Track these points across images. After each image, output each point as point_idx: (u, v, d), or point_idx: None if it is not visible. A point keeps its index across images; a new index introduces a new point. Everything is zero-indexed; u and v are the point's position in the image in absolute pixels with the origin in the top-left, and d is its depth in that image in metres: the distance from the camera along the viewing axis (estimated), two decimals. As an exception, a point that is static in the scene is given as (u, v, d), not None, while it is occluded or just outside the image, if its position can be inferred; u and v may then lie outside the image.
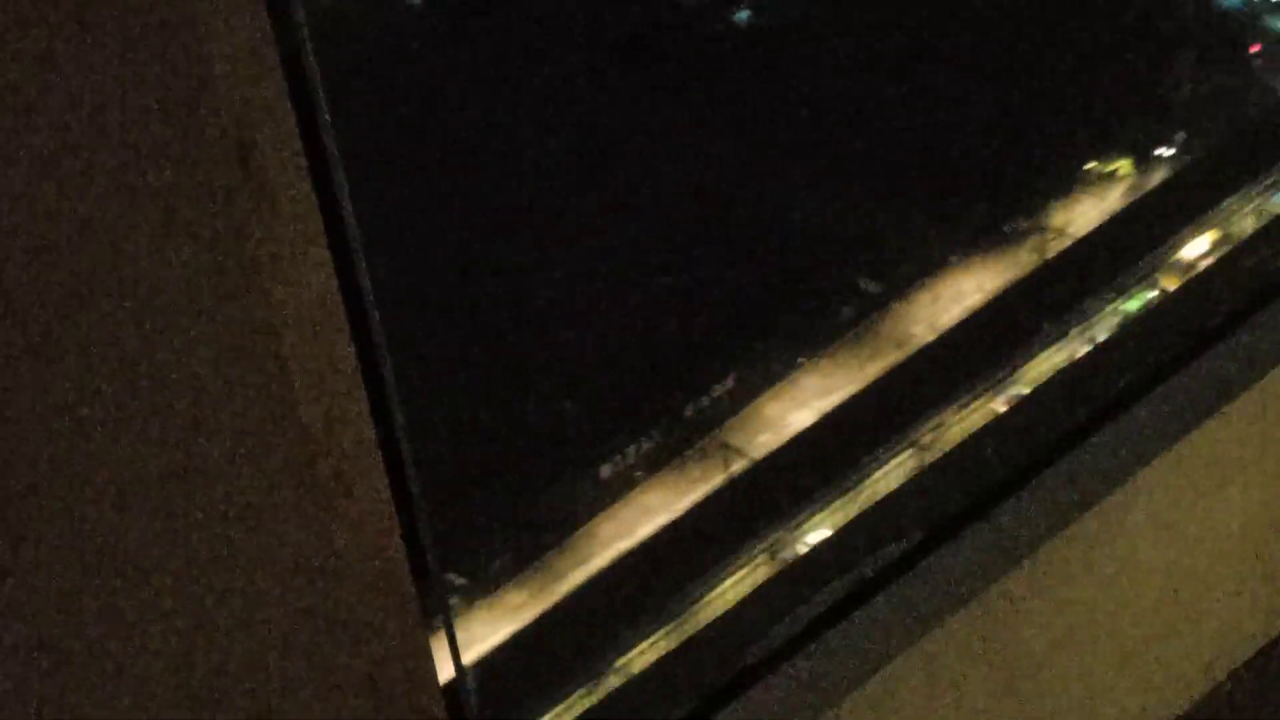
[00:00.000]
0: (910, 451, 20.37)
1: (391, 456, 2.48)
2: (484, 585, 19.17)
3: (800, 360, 21.95)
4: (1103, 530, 3.83)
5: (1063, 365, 21.07)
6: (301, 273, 2.26)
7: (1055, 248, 22.95)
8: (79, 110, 2.00)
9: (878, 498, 19.52)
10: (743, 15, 23.10)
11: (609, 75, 22.57)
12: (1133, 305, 21.82)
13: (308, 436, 2.27)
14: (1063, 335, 21.52)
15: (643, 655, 18.83)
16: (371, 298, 2.52)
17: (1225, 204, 22.12)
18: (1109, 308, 22.05)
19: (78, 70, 1.99)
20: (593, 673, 18.33)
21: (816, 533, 19.82)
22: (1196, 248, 22.34)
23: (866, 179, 22.17)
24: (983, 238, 22.80)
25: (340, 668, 2.36)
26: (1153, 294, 21.81)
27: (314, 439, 2.25)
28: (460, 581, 19.73)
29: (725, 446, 20.59)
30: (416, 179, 21.06)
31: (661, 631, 19.03)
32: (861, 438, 20.43)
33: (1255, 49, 23.28)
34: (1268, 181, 22.28)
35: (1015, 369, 21.27)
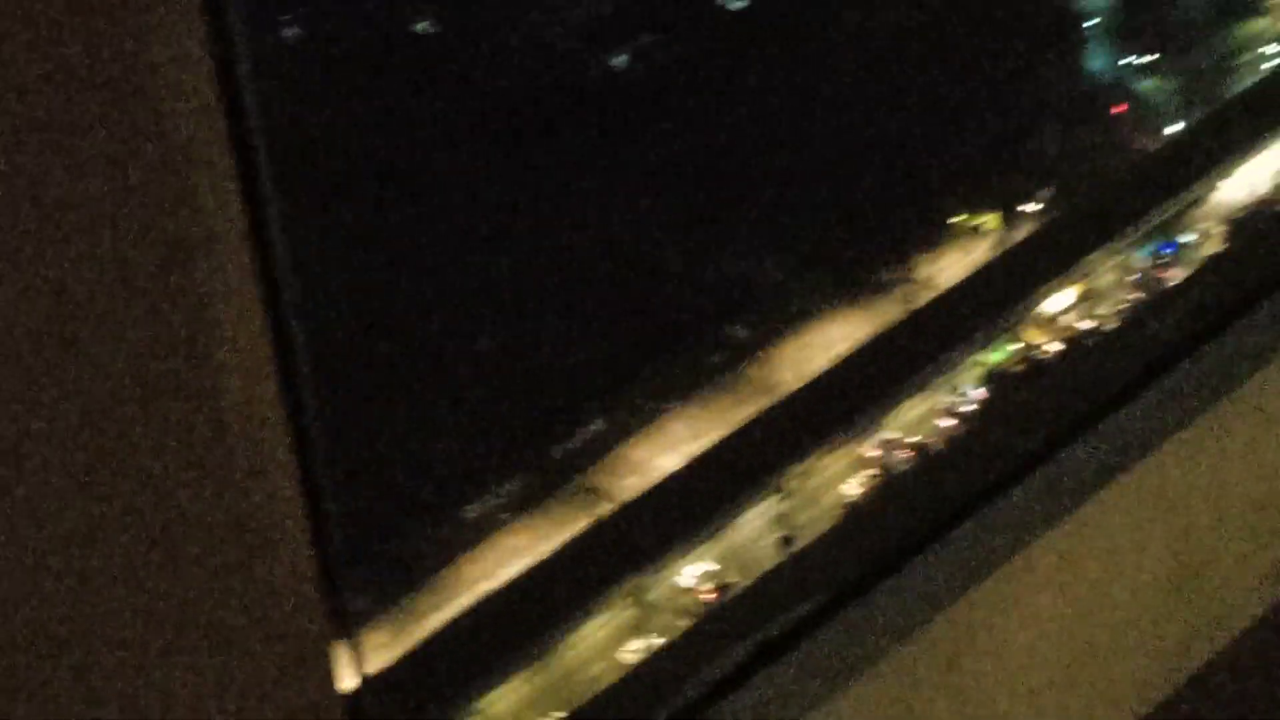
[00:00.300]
0: (776, 498, 20.54)
1: (310, 492, 2.54)
2: (361, 616, 19.04)
3: (668, 404, 22.04)
4: (1000, 596, 3.88)
5: (924, 414, 21.36)
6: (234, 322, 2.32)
7: (922, 298, 23.27)
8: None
9: (741, 543, 19.64)
10: (620, 60, 23.26)
11: (482, 121, 22.60)
12: (996, 358, 22.18)
13: (232, 462, 2.33)
14: (926, 385, 21.81)
15: (504, 698, 18.78)
16: (303, 354, 2.55)
17: (1088, 259, 22.58)
18: (970, 359, 22.38)
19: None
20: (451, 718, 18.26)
21: (682, 576, 19.90)
22: (1060, 302, 22.78)
23: (739, 228, 22.36)
24: (851, 288, 23.06)
25: (244, 672, 2.40)
26: (1016, 345, 22.18)
27: (239, 464, 2.31)
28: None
29: (591, 489, 20.63)
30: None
31: (525, 673, 18.99)
32: (728, 483, 20.56)
33: (1120, 110, 23.83)
34: (1130, 239, 22.77)
35: (880, 418, 21.51)
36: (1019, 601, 3.91)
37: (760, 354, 22.36)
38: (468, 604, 20.95)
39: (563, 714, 18.63)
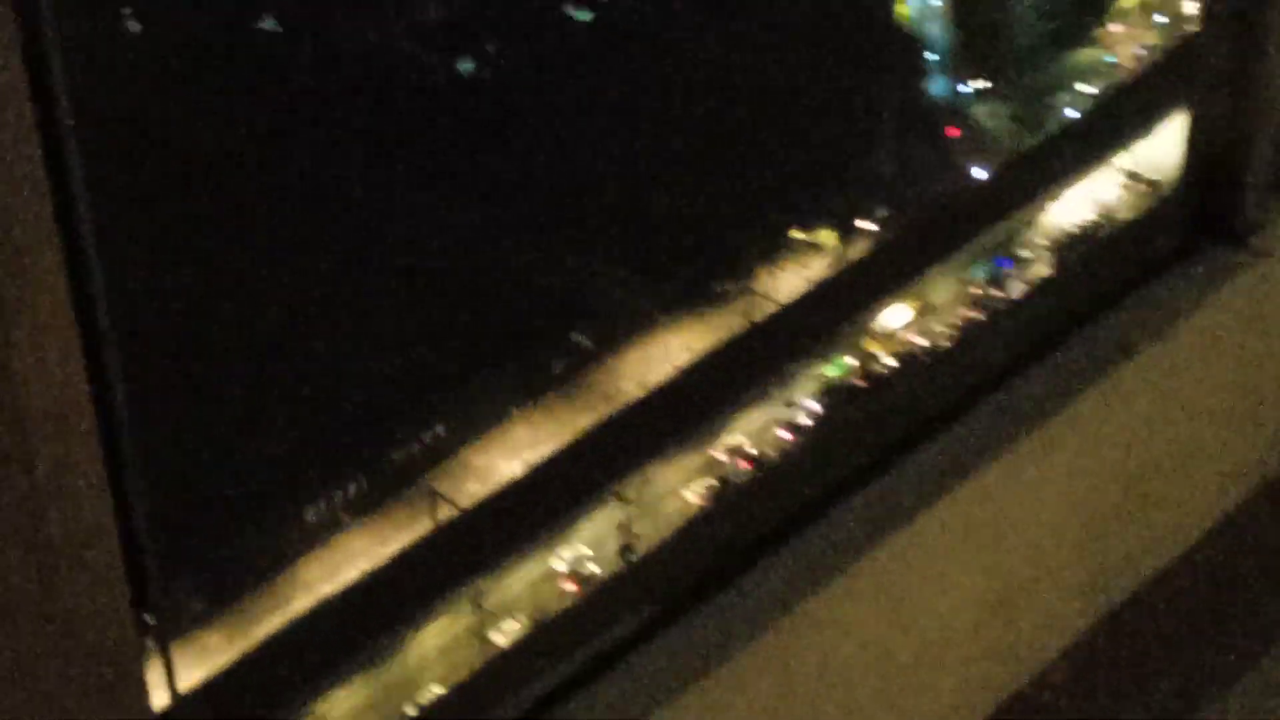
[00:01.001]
0: (617, 506, 20.59)
1: (117, 487, 2.39)
2: (179, 627, 18.76)
3: (510, 410, 22.00)
4: (827, 613, 3.97)
5: (763, 425, 21.55)
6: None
7: (761, 311, 23.45)
8: None
9: (582, 550, 19.69)
10: (466, 66, 23.18)
11: (333, 119, 22.39)
12: (833, 371, 22.42)
13: (33, 472, 2.25)
14: (764, 396, 21.99)
15: (342, 700, 18.62)
16: (113, 349, 2.41)
17: (924, 275, 22.89)
18: (810, 371, 22.58)
19: None
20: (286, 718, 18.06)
21: (519, 581, 19.90)
22: (896, 317, 23.09)
23: (585, 237, 22.39)
24: (692, 299, 23.19)
25: (57, 693, 2.31)
26: (852, 362, 22.43)
27: (41, 478, 2.22)
28: (150, 621, 19.22)
29: (433, 494, 20.52)
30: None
31: (360, 676, 18.86)
32: (568, 489, 20.59)
33: (954, 133, 24.23)
34: (962, 256, 23.15)
35: (719, 428, 21.67)
36: (845, 615, 4.04)
37: (603, 362, 22.44)
38: (304, 608, 20.74)
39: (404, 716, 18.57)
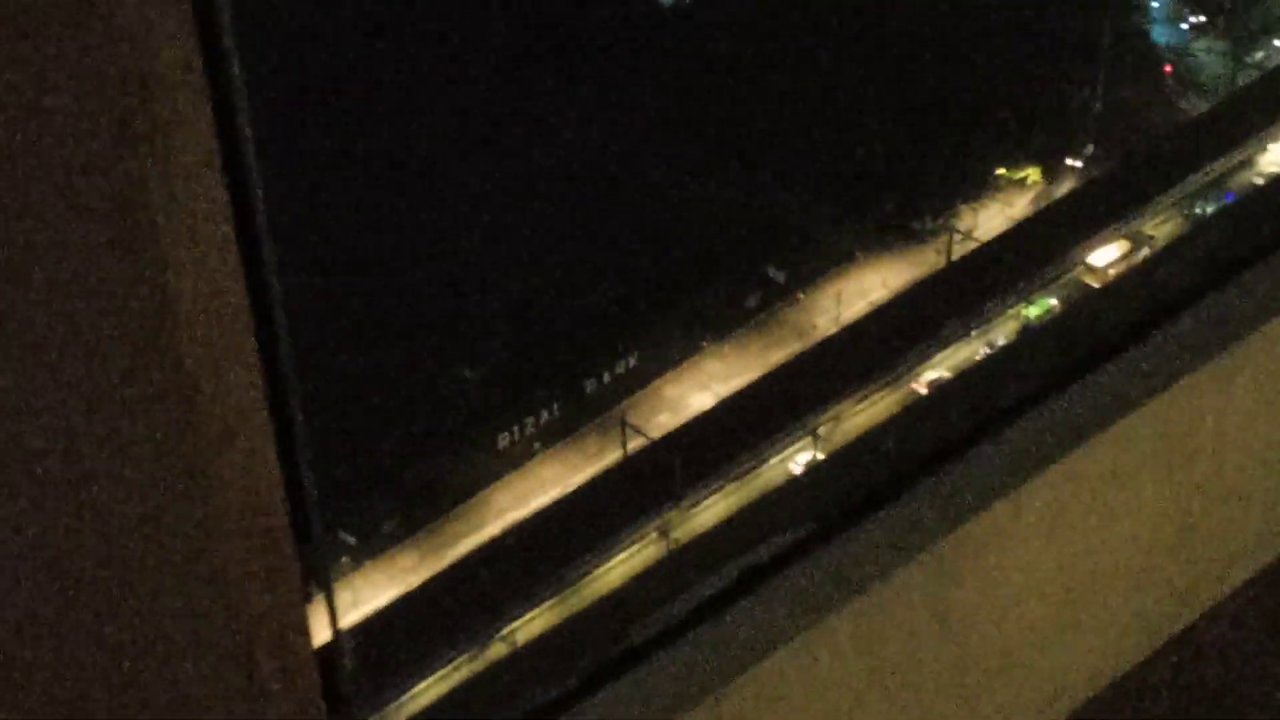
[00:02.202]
0: (807, 441, 20.53)
1: (280, 416, 2.35)
2: (372, 548, 19.14)
3: (703, 344, 21.99)
4: (991, 534, 3.91)
5: (963, 367, 21.29)
6: (198, 230, 2.21)
7: (961, 250, 23.14)
8: None
9: (773, 485, 19.66)
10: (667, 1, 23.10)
11: (514, 58, 22.46)
12: (1034, 312, 22.07)
13: (195, 390, 2.22)
14: (964, 337, 21.73)
15: (528, 626, 18.85)
16: (271, 267, 2.38)
17: (1130, 218, 22.43)
18: (1011, 312, 22.26)
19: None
20: (474, 642, 18.33)
21: (710, 514, 19.95)
22: (1102, 258, 22.63)
23: (781, 171, 22.26)
24: (891, 236, 22.96)
25: (214, 630, 2.31)
26: (1053, 302, 22.08)
27: (200, 392, 2.19)
28: (350, 541, 19.65)
29: (624, 424, 20.64)
30: (321, 166, 20.80)
31: (548, 605, 19.07)
32: (759, 425, 20.57)
33: (1168, 70, 23.64)
34: (1173, 197, 22.63)
35: (914, 368, 21.47)
36: (1011, 538, 3.97)
37: (798, 298, 22.32)
38: (494, 533, 21.03)
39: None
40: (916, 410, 20.38)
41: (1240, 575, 4.50)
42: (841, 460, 18.28)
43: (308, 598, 2.63)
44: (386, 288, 20.80)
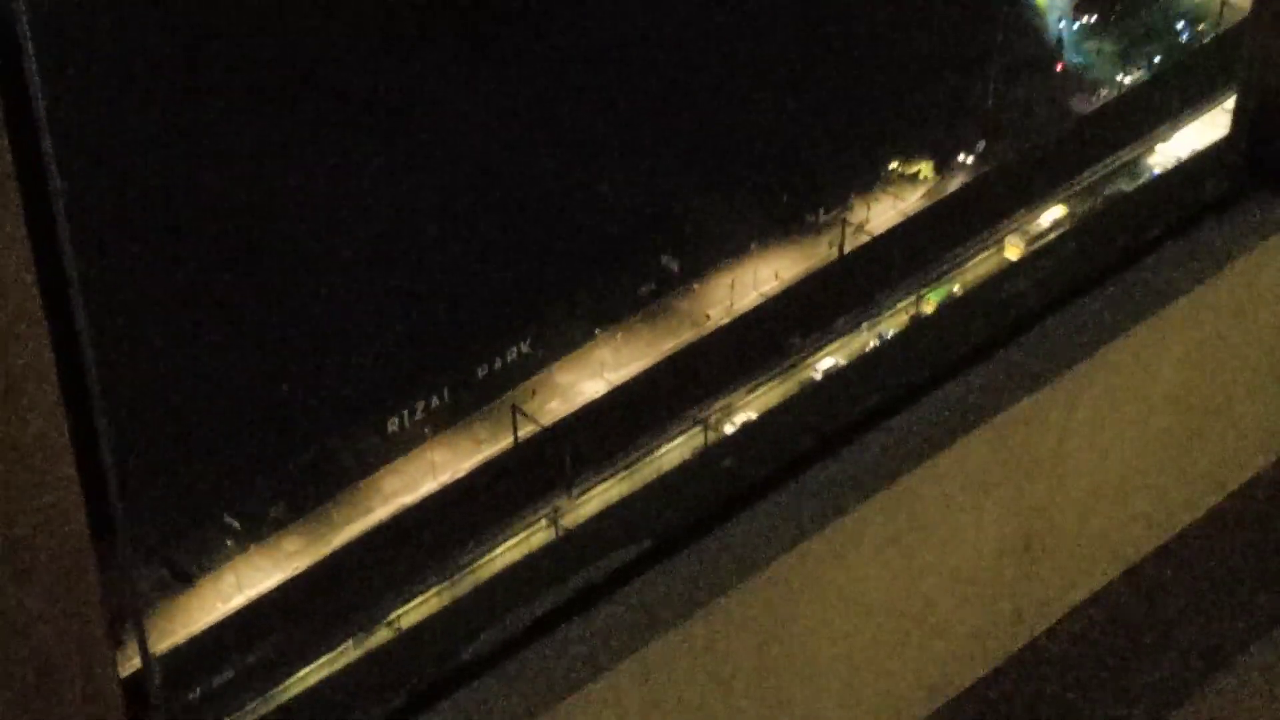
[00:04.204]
0: (697, 430, 20.56)
1: (84, 434, 2.25)
2: (258, 533, 18.95)
3: (595, 331, 21.94)
4: (832, 550, 3.92)
5: (850, 359, 21.40)
6: None
7: (853, 243, 23.25)
8: None
9: (660, 474, 19.67)
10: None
11: (413, 42, 22.27)
12: (926, 307, 22.22)
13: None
14: (854, 329, 21.84)
15: (412, 613, 18.74)
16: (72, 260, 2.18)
17: (1015, 215, 22.63)
18: (901, 305, 22.39)
19: None
20: (359, 628, 18.19)
21: (597, 503, 19.93)
22: (986, 256, 22.84)
23: (677, 161, 22.26)
24: (784, 227, 23.03)
25: (11, 660, 2.25)
26: (945, 296, 22.23)
27: None
28: (235, 525, 19.32)
29: (515, 410, 20.58)
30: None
31: (434, 591, 18.99)
32: (649, 413, 20.58)
33: (1059, 68, 23.87)
34: (1059, 194, 22.86)
35: (805, 358, 21.55)
36: (856, 553, 3.99)
37: (690, 287, 22.34)
38: (384, 518, 20.90)
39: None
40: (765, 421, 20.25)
41: (1081, 593, 4.55)
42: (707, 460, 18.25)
43: (117, 625, 2.56)
44: (281, 265, 20.63)
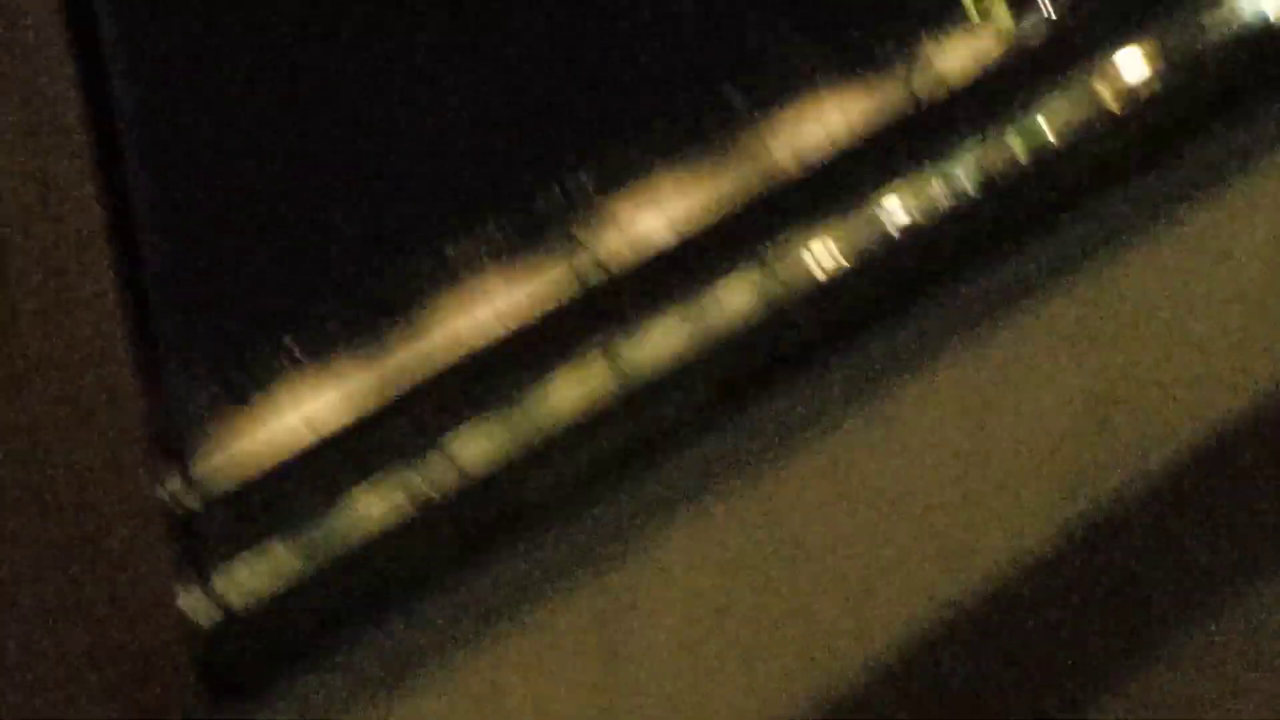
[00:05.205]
0: (759, 272, 20.43)
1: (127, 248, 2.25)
2: (317, 351, 19.02)
3: (654, 163, 21.63)
4: (902, 407, 3.79)
5: (925, 211, 21.18)
6: None
7: (926, 85, 22.83)
8: None
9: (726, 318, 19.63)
10: None
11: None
12: (992, 157, 21.84)
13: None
14: (921, 176, 21.52)
15: (471, 442, 18.93)
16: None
17: (1097, 62, 22.15)
18: (970, 155, 22.03)
19: None
20: (417, 454, 18.35)
21: (658, 345, 19.93)
22: (1060, 107, 22.41)
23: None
24: (855, 63, 22.58)
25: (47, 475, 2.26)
26: (1019, 143, 21.86)
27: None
28: (294, 348, 19.48)
29: (572, 240, 20.46)
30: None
31: (491, 421, 19.09)
32: (711, 251, 20.42)
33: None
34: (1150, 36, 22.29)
35: (869, 204, 21.30)
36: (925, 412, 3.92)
37: (755, 122, 22.04)
38: (440, 346, 20.96)
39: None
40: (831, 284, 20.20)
41: (1157, 459, 4.50)
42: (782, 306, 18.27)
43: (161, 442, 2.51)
44: (346, 84, 20.52)
